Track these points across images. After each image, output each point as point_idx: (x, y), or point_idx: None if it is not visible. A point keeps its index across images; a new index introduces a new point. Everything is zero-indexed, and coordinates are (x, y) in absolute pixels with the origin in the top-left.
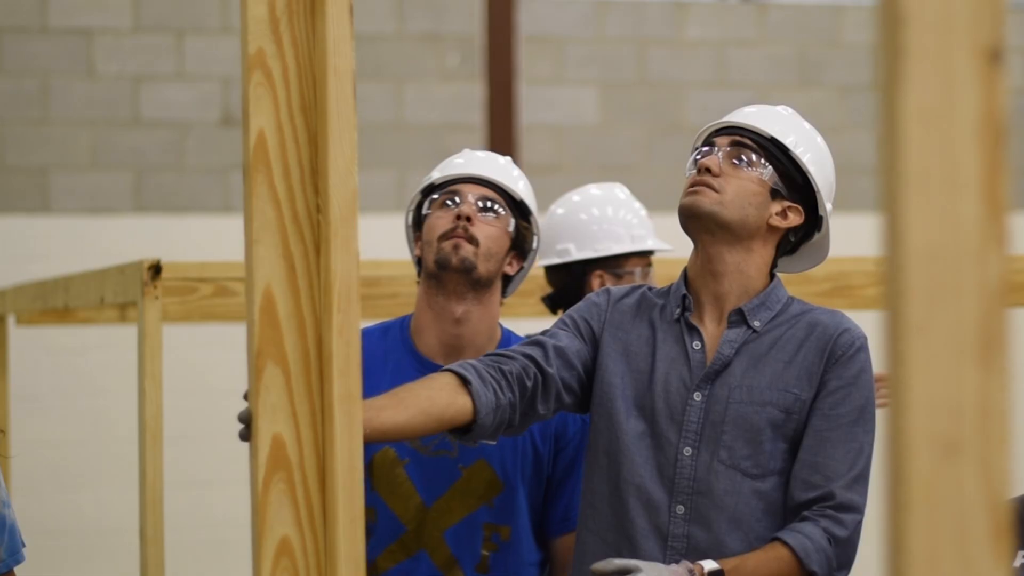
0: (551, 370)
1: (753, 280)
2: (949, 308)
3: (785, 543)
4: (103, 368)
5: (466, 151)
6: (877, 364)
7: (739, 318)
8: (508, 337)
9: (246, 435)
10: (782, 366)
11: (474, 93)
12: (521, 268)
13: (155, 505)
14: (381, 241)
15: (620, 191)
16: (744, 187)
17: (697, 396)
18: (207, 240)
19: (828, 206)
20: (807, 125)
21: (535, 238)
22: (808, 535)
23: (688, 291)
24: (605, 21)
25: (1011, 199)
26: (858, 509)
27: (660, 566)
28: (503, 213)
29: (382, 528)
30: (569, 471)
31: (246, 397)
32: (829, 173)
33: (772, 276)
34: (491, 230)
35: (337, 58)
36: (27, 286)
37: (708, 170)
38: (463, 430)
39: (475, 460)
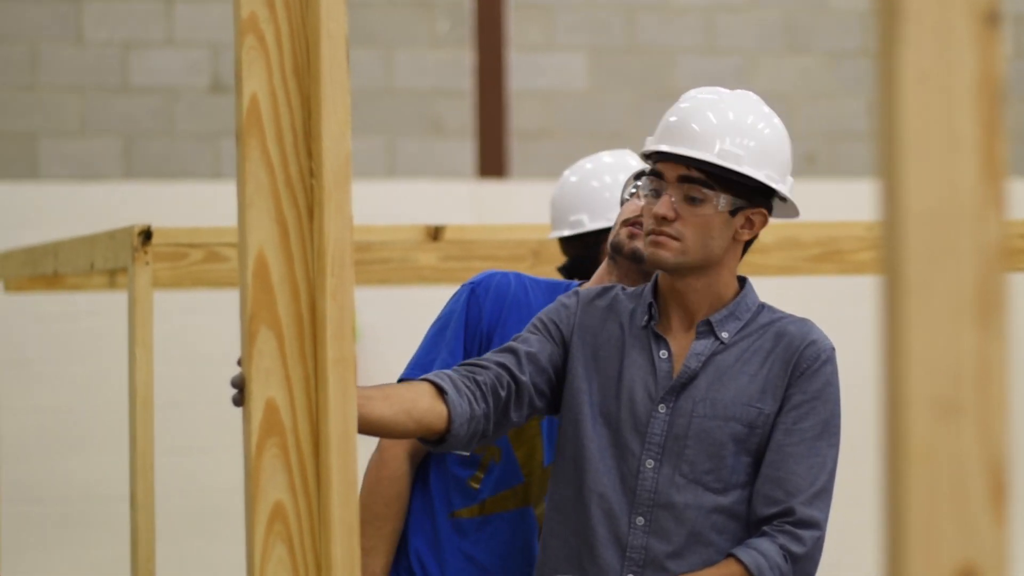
0: (524, 378)
1: (722, 292)
2: (947, 271)
3: (738, 560)
4: (93, 334)
5: None
6: (871, 333)
7: (707, 329)
8: None
9: (239, 400)
10: (747, 379)
11: (464, 59)
12: None
13: (145, 472)
14: (370, 207)
15: (631, 158)
16: (703, 226)
17: (662, 408)
18: (196, 207)
19: (789, 180)
20: (754, 106)
21: None
22: (763, 552)
23: (656, 299)
24: None
25: (1008, 163)
26: (818, 525)
27: None
28: None
29: (502, 471)
30: None
31: (239, 362)
32: (784, 153)
33: (743, 283)
34: None
35: (330, 22)
36: (16, 252)
37: (664, 218)
38: (437, 440)
39: None
